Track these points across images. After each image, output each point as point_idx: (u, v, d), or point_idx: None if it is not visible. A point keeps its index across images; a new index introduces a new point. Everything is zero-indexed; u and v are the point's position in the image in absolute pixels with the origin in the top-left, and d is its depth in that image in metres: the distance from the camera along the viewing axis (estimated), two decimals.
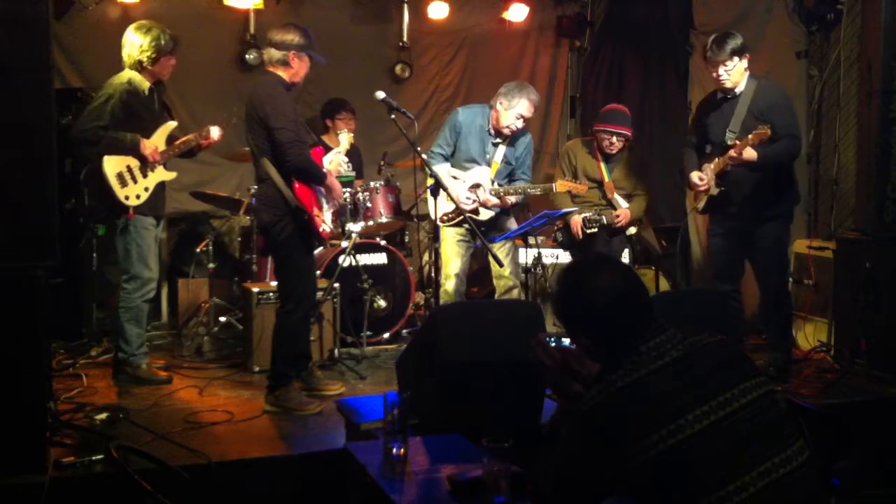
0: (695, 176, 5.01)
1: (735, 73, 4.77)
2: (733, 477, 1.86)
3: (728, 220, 4.98)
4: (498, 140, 5.34)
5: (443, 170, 5.25)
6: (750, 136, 4.61)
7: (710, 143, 5.02)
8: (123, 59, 4.76)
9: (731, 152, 4.69)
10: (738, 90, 4.84)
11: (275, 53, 4.34)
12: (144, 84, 4.77)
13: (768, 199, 4.83)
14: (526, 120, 5.29)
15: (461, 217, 5.19)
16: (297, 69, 4.37)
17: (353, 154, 6.33)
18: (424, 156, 4.68)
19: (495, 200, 5.28)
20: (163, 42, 4.73)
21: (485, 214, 5.34)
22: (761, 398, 1.98)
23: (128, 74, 4.74)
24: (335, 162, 4.77)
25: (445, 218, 5.30)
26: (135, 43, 4.72)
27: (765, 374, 2.36)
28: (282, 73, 4.35)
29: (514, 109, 5.20)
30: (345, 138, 4.94)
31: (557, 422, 2.26)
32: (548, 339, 2.29)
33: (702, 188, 4.98)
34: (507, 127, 5.25)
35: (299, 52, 4.34)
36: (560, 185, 5.43)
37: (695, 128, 5.19)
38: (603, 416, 1.94)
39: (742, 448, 1.90)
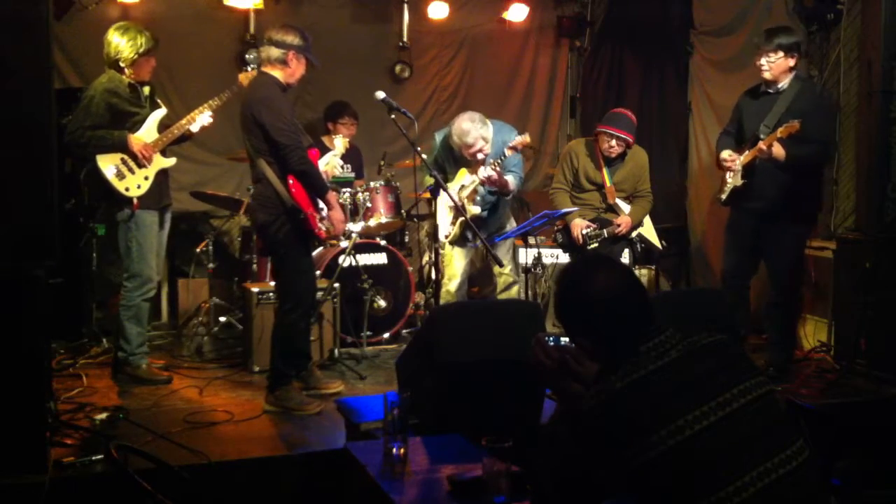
0: (726, 152, 5.01)
1: (776, 68, 4.78)
2: (733, 477, 1.85)
3: (747, 218, 4.98)
4: None
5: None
6: (779, 130, 4.61)
7: (744, 134, 5.03)
8: (104, 59, 4.78)
9: (760, 144, 4.70)
10: (780, 86, 4.85)
11: (274, 52, 4.33)
12: (124, 81, 4.77)
13: (790, 199, 4.83)
14: (477, 147, 5.07)
15: (464, 229, 5.20)
16: (294, 70, 4.37)
17: (353, 154, 6.34)
18: (424, 156, 4.66)
19: (491, 173, 5.03)
20: (139, 42, 4.74)
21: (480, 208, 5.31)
22: (761, 398, 1.97)
23: (107, 75, 4.78)
24: (331, 164, 4.82)
25: (449, 235, 5.32)
26: (112, 43, 4.74)
27: (765, 374, 2.36)
28: (278, 72, 4.35)
29: (465, 150, 5.09)
30: (339, 142, 4.97)
31: (557, 422, 2.26)
32: (548, 339, 2.29)
33: (729, 164, 4.96)
34: (472, 156, 5.15)
35: (298, 54, 4.35)
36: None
37: (734, 117, 5.18)
38: (603, 417, 1.93)
39: (742, 448, 1.89)
